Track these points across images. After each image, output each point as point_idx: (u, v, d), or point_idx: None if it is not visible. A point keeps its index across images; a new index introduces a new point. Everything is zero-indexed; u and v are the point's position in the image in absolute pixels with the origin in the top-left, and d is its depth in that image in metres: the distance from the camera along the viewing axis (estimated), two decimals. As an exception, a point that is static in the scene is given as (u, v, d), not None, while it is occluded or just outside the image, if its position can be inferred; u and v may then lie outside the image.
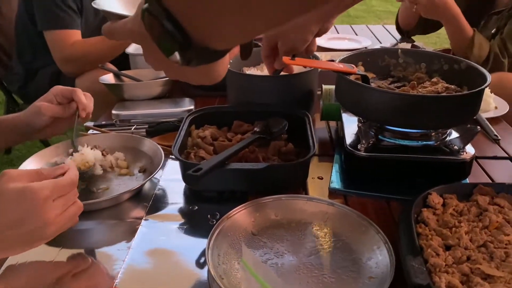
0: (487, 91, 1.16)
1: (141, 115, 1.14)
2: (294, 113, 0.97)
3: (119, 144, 0.96)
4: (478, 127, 0.83)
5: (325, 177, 0.88)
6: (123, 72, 1.34)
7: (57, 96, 0.89)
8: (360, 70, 0.92)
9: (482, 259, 0.58)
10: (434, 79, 0.91)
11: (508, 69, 1.45)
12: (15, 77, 1.81)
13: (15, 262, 0.65)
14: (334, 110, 1.02)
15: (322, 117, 1.07)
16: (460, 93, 0.84)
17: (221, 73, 0.46)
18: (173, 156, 0.84)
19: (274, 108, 0.98)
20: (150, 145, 0.93)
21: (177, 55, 0.37)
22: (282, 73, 0.93)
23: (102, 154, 0.89)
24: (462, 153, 0.80)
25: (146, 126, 1.07)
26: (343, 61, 0.89)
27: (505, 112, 1.14)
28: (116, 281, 0.63)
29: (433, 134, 0.83)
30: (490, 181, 0.87)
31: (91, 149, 0.88)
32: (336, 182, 0.85)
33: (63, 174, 0.64)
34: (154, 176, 0.84)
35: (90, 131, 1.06)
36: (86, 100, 0.90)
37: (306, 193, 0.83)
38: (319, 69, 1.06)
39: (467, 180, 0.83)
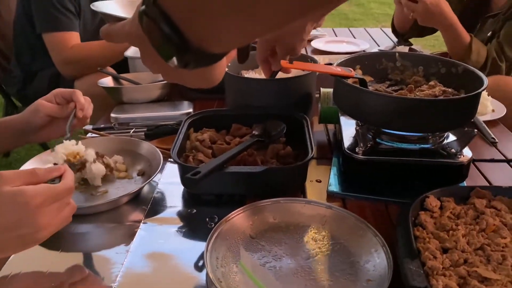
0: (484, 94, 1.16)
1: (140, 118, 1.14)
2: (292, 116, 0.97)
3: (118, 147, 0.96)
4: (475, 130, 0.83)
5: (323, 180, 0.88)
6: (122, 75, 1.35)
7: (56, 96, 0.90)
8: (357, 73, 0.93)
9: (479, 262, 0.59)
10: (432, 83, 0.91)
11: (505, 73, 1.45)
12: (14, 80, 1.81)
13: (9, 272, 0.64)
14: (332, 113, 1.03)
15: (320, 120, 1.07)
16: (457, 96, 0.84)
17: (219, 76, 0.46)
18: (171, 159, 0.85)
19: (272, 111, 0.99)
20: (148, 148, 0.94)
21: (174, 58, 0.37)
22: (279, 75, 0.93)
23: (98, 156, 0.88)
24: (459, 156, 0.80)
25: (145, 129, 1.07)
26: (341, 64, 0.90)
27: (502, 115, 1.14)
28: (115, 284, 0.63)
29: (430, 137, 0.84)
30: (488, 184, 0.88)
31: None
32: (334, 185, 0.86)
33: (58, 177, 0.62)
34: (153, 179, 0.85)
35: (89, 134, 1.06)
36: (85, 102, 0.90)
37: (305, 196, 0.83)
38: (317, 72, 1.06)
39: (465, 183, 0.84)
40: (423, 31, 1.73)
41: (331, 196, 0.84)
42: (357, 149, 0.82)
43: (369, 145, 0.83)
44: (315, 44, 1.83)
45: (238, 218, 0.71)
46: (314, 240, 0.70)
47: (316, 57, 1.15)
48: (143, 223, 0.76)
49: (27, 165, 0.88)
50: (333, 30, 2.21)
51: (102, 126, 1.12)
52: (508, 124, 1.13)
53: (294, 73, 1.01)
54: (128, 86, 1.29)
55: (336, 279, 0.62)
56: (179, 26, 0.34)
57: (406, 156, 0.82)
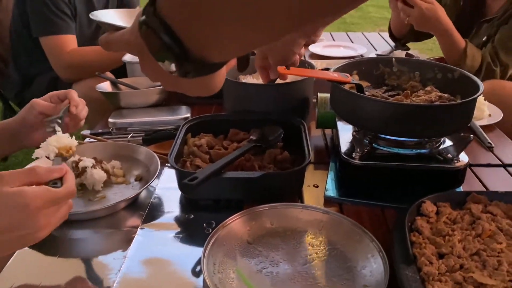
0: (481, 98, 1.17)
1: (138, 123, 1.14)
2: (289, 121, 0.97)
3: (116, 153, 0.96)
4: (471, 135, 0.84)
5: (320, 185, 0.88)
6: (120, 80, 1.35)
7: (52, 97, 0.92)
8: (354, 79, 0.93)
9: (475, 268, 0.59)
10: (428, 88, 0.92)
11: (500, 77, 1.46)
12: (12, 84, 1.81)
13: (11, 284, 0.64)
14: (330, 118, 1.03)
15: (318, 125, 1.08)
16: (453, 102, 0.85)
17: (218, 84, 0.47)
18: (169, 165, 0.85)
19: (270, 116, 0.99)
20: (146, 153, 0.94)
21: (174, 67, 0.37)
22: (277, 80, 0.94)
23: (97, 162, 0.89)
24: (455, 162, 0.81)
25: (143, 134, 1.07)
26: (338, 70, 0.90)
27: (499, 119, 1.15)
28: (112, 290, 0.63)
29: (427, 142, 0.84)
30: (484, 189, 0.88)
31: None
32: (331, 190, 0.86)
33: (59, 178, 0.61)
34: (150, 185, 0.85)
35: (87, 140, 1.06)
36: (80, 104, 0.91)
37: (302, 201, 0.84)
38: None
39: (461, 188, 0.84)
40: (420, 36, 1.73)
41: (328, 201, 0.84)
42: (354, 154, 0.82)
43: (366, 150, 0.83)
44: (313, 48, 1.84)
45: (235, 223, 0.71)
46: (311, 245, 0.70)
47: (313, 61, 1.16)
48: (141, 228, 0.76)
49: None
50: (331, 34, 2.21)
51: (100, 131, 1.12)
52: (504, 128, 1.14)
53: (291, 78, 1.01)
54: (126, 91, 1.29)
55: (333, 285, 0.62)
56: (180, 36, 0.35)
57: (402, 161, 0.82)
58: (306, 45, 0.83)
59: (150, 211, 0.81)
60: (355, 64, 0.98)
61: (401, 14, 1.46)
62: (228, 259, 0.66)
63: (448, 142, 0.86)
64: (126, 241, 0.73)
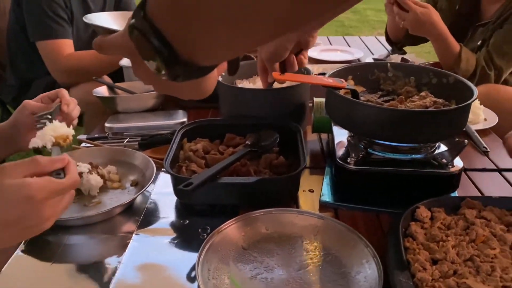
0: (476, 103, 1.17)
1: (134, 127, 1.14)
2: (285, 126, 0.98)
3: (111, 158, 0.96)
4: (466, 140, 0.84)
5: (316, 190, 0.88)
6: (117, 84, 1.35)
7: (43, 98, 0.92)
8: (350, 84, 0.93)
9: (469, 273, 0.59)
10: (423, 93, 0.92)
11: (494, 81, 1.47)
12: (9, 88, 1.81)
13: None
14: (325, 123, 1.03)
15: (314, 129, 1.08)
16: (447, 108, 0.85)
17: (209, 88, 0.47)
18: (165, 170, 0.85)
19: (265, 121, 0.99)
20: (142, 158, 0.94)
21: (163, 71, 0.37)
22: (274, 85, 0.94)
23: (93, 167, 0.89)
24: (450, 167, 0.81)
25: (139, 139, 1.07)
26: (333, 75, 0.90)
27: (494, 124, 1.15)
28: (107, 296, 0.63)
29: (422, 147, 0.85)
30: (479, 194, 0.88)
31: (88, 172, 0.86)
32: (326, 195, 0.86)
33: (61, 168, 0.61)
34: (146, 190, 0.85)
35: (83, 144, 1.06)
36: (71, 103, 0.90)
37: (297, 206, 0.84)
38: (310, 83, 1.07)
39: (456, 193, 0.84)
40: (417, 40, 1.74)
41: (323, 206, 0.84)
42: (349, 160, 0.82)
43: (361, 155, 0.83)
44: (310, 52, 1.84)
45: (231, 229, 0.71)
46: (306, 250, 0.70)
47: (310, 66, 1.16)
48: (136, 234, 0.76)
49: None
50: (327, 38, 2.22)
51: (96, 136, 1.12)
52: (500, 133, 1.14)
53: (287, 82, 1.02)
54: (122, 96, 1.29)
55: (327, 291, 0.62)
56: (169, 40, 0.35)
57: (397, 166, 0.82)
58: (307, 47, 0.81)
59: (146, 217, 0.81)
60: (350, 69, 0.99)
61: (396, 18, 1.46)
62: (223, 265, 0.66)
63: (443, 147, 0.87)
64: (121, 247, 0.73)
